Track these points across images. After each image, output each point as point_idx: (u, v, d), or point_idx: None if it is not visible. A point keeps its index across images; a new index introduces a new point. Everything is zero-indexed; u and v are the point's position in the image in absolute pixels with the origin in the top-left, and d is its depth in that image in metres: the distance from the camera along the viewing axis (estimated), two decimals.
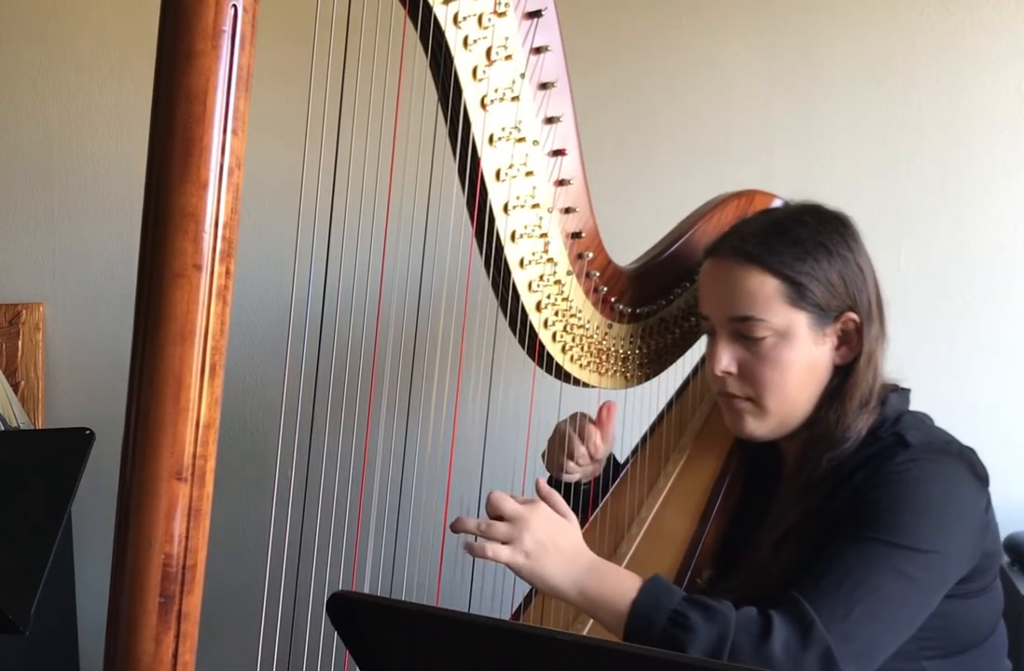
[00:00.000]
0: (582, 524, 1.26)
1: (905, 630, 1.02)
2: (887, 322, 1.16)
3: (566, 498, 1.31)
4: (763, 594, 1.05)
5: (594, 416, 1.29)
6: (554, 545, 1.01)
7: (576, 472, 1.29)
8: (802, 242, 1.12)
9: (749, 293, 1.12)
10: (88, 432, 1.14)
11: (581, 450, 1.26)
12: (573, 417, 1.29)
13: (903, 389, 1.19)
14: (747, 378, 1.14)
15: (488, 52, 1.00)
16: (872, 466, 1.08)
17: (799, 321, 1.12)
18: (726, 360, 1.14)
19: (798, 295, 1.11)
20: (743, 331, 1.13)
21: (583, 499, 1.31)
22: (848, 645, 0.96)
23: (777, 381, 1.13)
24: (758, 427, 1.17)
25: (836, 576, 1.00)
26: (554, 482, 1.35)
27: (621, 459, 1.37)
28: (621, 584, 1.01)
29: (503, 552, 0.99)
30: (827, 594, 0.98)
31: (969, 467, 1.09)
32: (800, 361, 1.13)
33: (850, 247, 1.14)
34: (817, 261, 1.11)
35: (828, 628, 0.96)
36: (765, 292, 1.11)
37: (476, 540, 1.01)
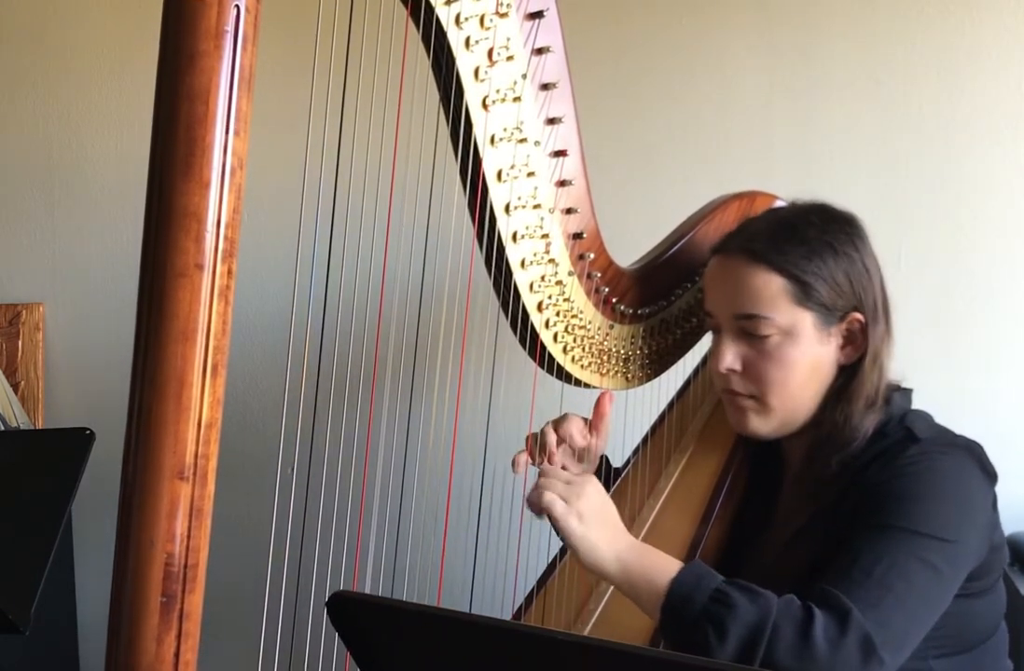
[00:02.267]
0: None
1: (930, 619, 1.02)
2: (893, 322, 1.16)
3: None
4: (775, 591, 1.05)
5: (591, 415, 1.29)
6: (604, 515, 1.03)
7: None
8: (809, 241, 1.12)
9: (755, 291, 1.12)
10: (88, 432, 1.14)
11: (551, 441, 1.24)
12: (559, 418, 1.28)
13: (905, 389, 1.20)
14: (751, 376, 1.15)
15: (490, 53, 1.00)
16: (883, 461, 1.09)
17: (804, 320, 1.12)
18: (730, 358, 1.15)
19: (804, 294, 1.11)
20: (748, 329, 1.13)
21: None
22: (883, 632, 0.95)
23: (780, 379, 1.13)
24: (762, 425, 1.17)
25: (864, 565, 1.00)
26: None
27: (622, 459, 1.37)
28: (663, 562, 1.02)
29: (559, 505, 1.01)
30: (857, 583, 0.98)
31: (977, 461, 1.10)
32: (804, 360, 1.13)
33: (856, 247, 1.14)
34: (824, 261, 1.12)
35: (864, 615, 0.95)
36: (771, 291, 1.11)
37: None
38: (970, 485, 1.08)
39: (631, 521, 1.24)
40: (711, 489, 1.24)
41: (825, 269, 1.11)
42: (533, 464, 1.25)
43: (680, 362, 1.35)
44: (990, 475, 1.10)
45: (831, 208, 1.18)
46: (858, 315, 1.14)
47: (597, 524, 1.01)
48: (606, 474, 1.34)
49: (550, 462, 1.25)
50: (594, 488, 1.04)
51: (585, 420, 1.27)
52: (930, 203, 1.75)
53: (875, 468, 1.09)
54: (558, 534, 1.04)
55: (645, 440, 1.35)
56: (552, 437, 1.24)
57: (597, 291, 1.19)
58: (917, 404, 1.21)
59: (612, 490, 1.30)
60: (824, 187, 1.72)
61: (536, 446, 1.25)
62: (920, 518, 1.02)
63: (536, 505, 1.02)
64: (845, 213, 1.17)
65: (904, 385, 1.20)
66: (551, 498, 1.01)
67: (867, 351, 1.14)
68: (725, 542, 1.21)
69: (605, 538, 1.02)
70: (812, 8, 1.76)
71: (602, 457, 1.36)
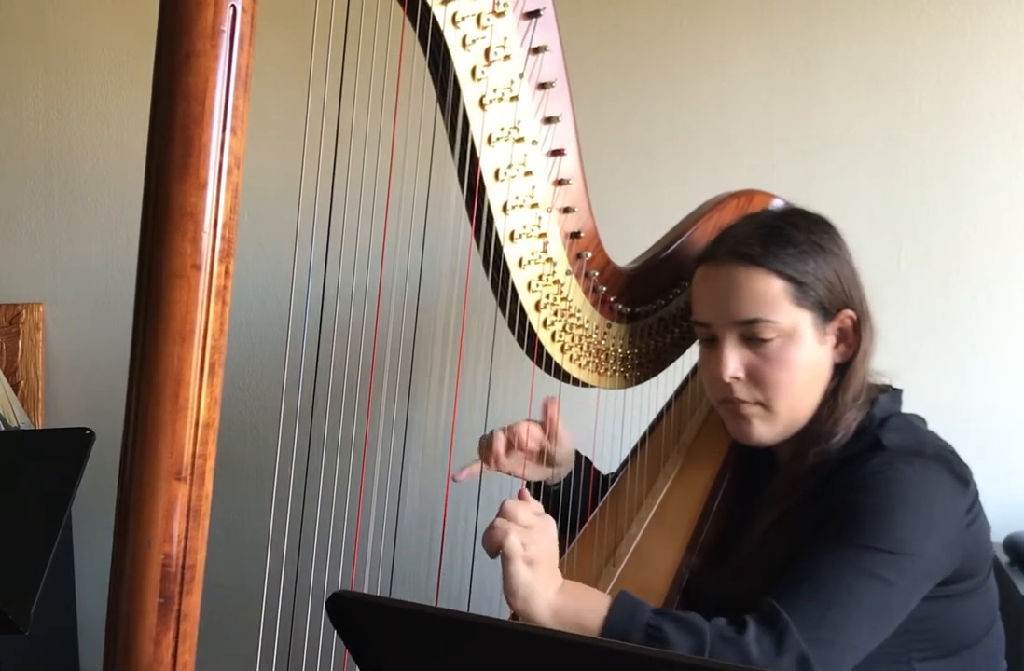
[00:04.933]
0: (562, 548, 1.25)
1: (880, 633, 1.02)
2: (877, 320, 1.16)
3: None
4: (747, 587, 1.06)
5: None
6: (549, 562, 1.02)
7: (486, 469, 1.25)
8: (799, 243, 1.12)
9: (756, 295, 1.11)
10: (88, 432, 1.14)
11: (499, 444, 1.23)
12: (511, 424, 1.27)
13: (895, 389, 1.19)
14: (755, 381, 1.14)
15: (487, 52, 1.00)
16: (848, 470, 1.08)
17: (804, 321, 1.12)
18: (734, 365, 1.14)
19: (802, 294, 1.11)
20: (750, 334, 1.13)
21: (558, 504, 1.31)
22: (823, 649, 0.97)
23: (787, 382, 1.13)
24: (766, 432, 1.16)
25: (811, 581, 1.00)
26: (533, 486, 1.34)
27: (619, 458, 1.37)
28: (592, 602, 1.02)
29: (516, 547, 0.99)
30: (802, 598, 0.99)
31: (947, 468, 1.08)
32: (806, 361, 1.13)
33: (840, 246, 1.15)
34: (816, 261, 1.12)
35: (803, 633, 0.96)
36: (772, 293, 1.11)
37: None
38: (932, 495, 1.06)
39: (630, 521, 1.24)
40: (710, 488, 1.24)
41: (819, 269, 1.12)
42: (488, 465, 1.24)
43: (678, 361, 1.35)
44: (962, 481, 1.09)
45: (807, 211, 1.19)
46: (850, 312, 1.14)
47: (542, 571, 1.00)
48: (595, 481, 1.34)
49: (497, 465, 1.24)
50: (550, 534, 1.02)
51: (542, 425, 1.27)
52: (930, 203, 1.74)
53: (840, 475, 1.08)
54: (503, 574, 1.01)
55: (643, 439, 1.35)
56: (501, 440, 1.23)
57: (595, 290, 1.19)
58: (918, 404, 1.20)
59: (610, 490, 1.31)
60: (824, 187, 1.74)
61: (488, 450, 1.24)
62: (874, 532, 1.02)
63: (493, 544, 1.00)
64: (820, 215, 1.18)
65: (900, 384, 1.20)
66: (511, 540, 0.99)
67: (859, 348, 1.14)
68: (720, 538, 1.21)
69: (543, 584, 1.00)
70: (812, 8, 1.76)
71: (585, 459, 1.35)
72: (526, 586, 0.99)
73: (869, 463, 1.07)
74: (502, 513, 1.03)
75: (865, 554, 1.01)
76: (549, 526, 1.02)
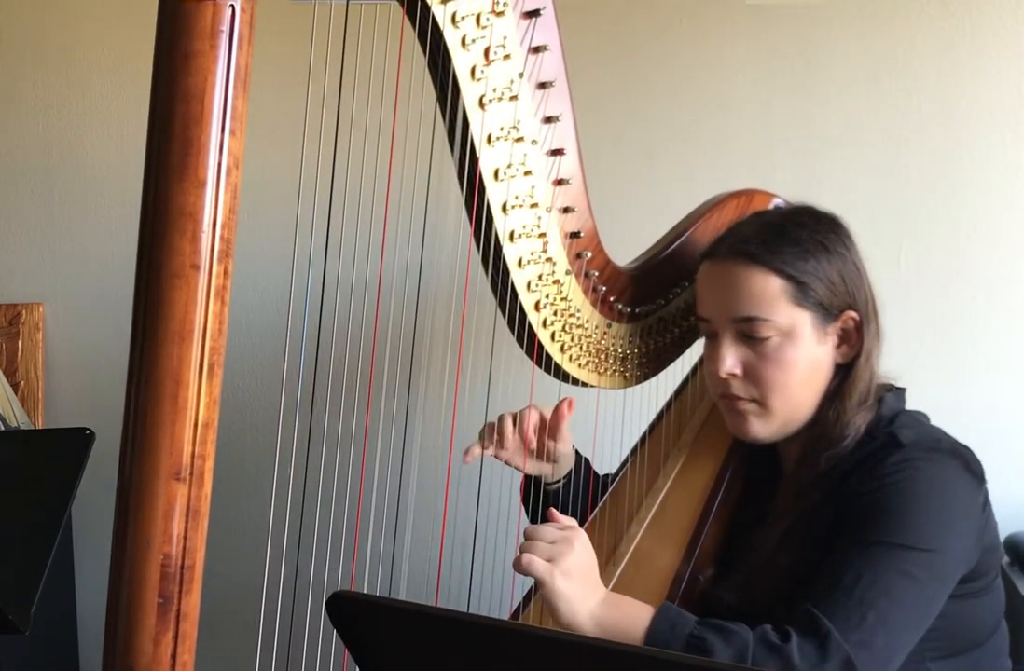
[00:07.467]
0: None
1: (917, 631, 1.02)
2: (882, 320, 1.17)
3: (536, 503, 1.30)
4: (763, 593, 1.05)
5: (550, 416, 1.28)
6: (585, 572, 1.01)
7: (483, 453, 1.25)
8: (802, 242, 1.12)
9: (754, 293, 1.11)
10: (88, 432, 1.15)
11: (508, 429, 1.23)
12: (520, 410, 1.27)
13: (898, 388, 1.19)
14: (752, 379, 1.14)
15: (486, 52, 1.00)
16: (866, 468, 1.08)
17: (803, 320, 1.12)
18: (731, 361, 1.14)
19: (802, 294, 1.11)
20: (747, 331, 1.13)
21: (556, 504, 1.30)
22: (866, 652, 0.96)
23: (782, 381, 1.13)
24: (762, 429, 1.16)
25: (845, 584, 1.00)
26: (532, 482, 1.34)
27: (619, 459, 1.37)
28: (634, 613, 1.01)
29: (539, 566, 0.97)
30: (839, 603, 0.99)
31: (963, 464, 1.09)
32: (804, 360, 1.13)
33: (846, 246, 1.15)
34: (818, 260, 1.12)
35: (845, 637, 0.96)
36: (770, 292, 1.11)
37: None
38: (953, 491, 1.07)
39: (630, 520, 1.24)
40: (710, 487, 1.23)
41: (820, 269, 1.12)
42: (484, 450, 1.24)
43: (678, 361, 1.35)
44: (977, 477, 1.10)
45: (816, 209, 1.18)
46: (852, 313, 1.14)
47: (578, 581, 0.99)
48: (593, 482, 1.34)
49: (501, 446, 1.24)
50: (579, 545, 1.00)
51: (543, 417, 1.27)
52: (930, 203, 1.74)
53: (858, 475, 1.08)
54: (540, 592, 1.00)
55: (643, 439, 1.35)
56: (509, 426, 1.23)
57: (595, 290, 1.19)
58: (918, 404, 1.20)
59: (609, 490, 1.30)
60: (824, 187, 1.74)
61: (490, 434, 1.24)
62: (900, 530, 1.02)
63: (523, 572, 0.99)
64: (830, 214, 1.18)
65: (900, 385, 1.20)
66: (529, 559, 0.98)
67: (862, 349, 1.14)
68: (723, 541, 1.21)
69: (582, 595, 0.99)
70: (812, 9, 1.76)
71: (584, 460, 1.35)
72: (565, 599, 0.98)
73: (888, 460, 1.07)
74: (525, 537, 1.02)
75: (894, 552, 1.01)
76: (577, 538, 1.00)
